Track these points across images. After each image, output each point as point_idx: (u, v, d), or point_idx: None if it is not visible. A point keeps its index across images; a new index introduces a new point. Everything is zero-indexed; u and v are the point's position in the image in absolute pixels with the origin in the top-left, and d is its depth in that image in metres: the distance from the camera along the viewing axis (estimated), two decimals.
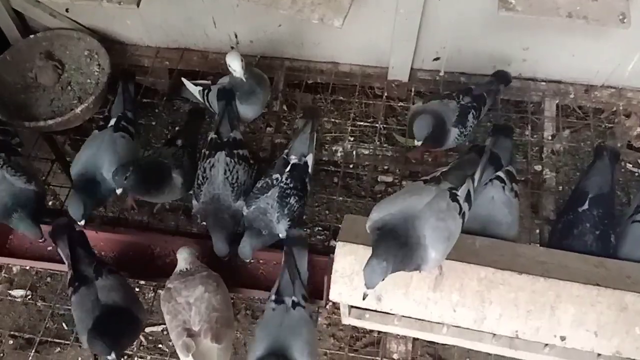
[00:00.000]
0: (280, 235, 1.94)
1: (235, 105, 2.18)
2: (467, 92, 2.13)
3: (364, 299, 1.45)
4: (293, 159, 2.03)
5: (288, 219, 1.92)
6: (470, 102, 2.09)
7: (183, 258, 1.93)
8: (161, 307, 1.84)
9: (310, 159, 2.05)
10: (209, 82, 2.31)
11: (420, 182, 1.60)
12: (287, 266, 1.82)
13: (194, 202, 2.04)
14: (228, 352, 1.76)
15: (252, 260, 2.09)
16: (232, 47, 2.59)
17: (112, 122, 2.15)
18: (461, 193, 1.55)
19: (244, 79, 2.08)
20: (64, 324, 2.24)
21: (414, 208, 1.46)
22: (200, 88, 2.28)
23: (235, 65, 2.04)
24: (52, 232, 1.97)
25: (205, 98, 2.26)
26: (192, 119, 2.34)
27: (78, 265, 1.87)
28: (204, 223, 2.07)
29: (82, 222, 1.93)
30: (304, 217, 2.32)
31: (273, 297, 1.77)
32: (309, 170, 2.04)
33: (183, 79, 2.34)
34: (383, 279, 1.38)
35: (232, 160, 2.02)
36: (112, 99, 2.33)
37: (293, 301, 1.74)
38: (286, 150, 2.08)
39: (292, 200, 1.94)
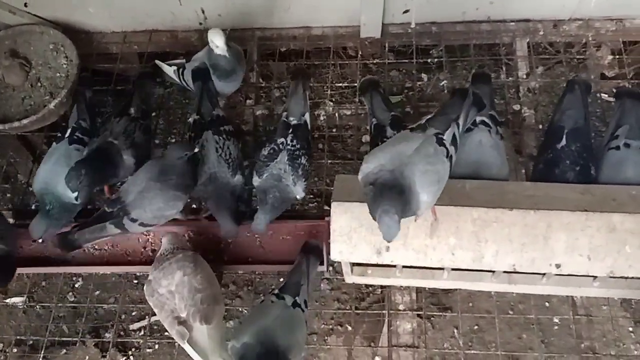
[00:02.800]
0: (298, 196, 1.96)
1: (212, 84, 2.16)
2: None
3: (387, 250, 1.55)
4: (293, 120, 2.05)
5: (304, 179, 1.95)
6: None
7: (167, 242, 1.94)
8: (149, 302, 1.84)
9: (307, 117, 2.08)
10: (183, 60, 2.29)
11: (406, 130, 1.63)
12: (299, 270, 1.84)
13: None
14: (219, 328, 1.78)
15: (248, 234, 2.10)
16: (201, 23, 2.56)
17: (68, 132, 2.11)
18: (447, 137, 1.58)
19: (227, 55, 2.06)
20: (64, 327, 2.24)
21: (402, 156, 1.49)
22: (175, 68, 2.26)
23: (218, 42, 2.03)
24: None
25: (181, 77, 2.24)
26: (141, 84, 2.28)
27: None
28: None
29: (40, 240, 1.99)
30: None
31: (276, 291, 1.78)
32: (309, 127, 2.07)
33: (157, 61, 2.32)
34: (399, 229, 1.41)
35: (221, 137, 2.02)
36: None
37: (295, 301, 1.74)
38: (285, 113, 2.09)
39: (303, 160, 1.97)
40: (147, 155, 2.09)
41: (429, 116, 1.65)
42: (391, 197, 1.42)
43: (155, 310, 1.80)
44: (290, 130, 2.02)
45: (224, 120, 2.10)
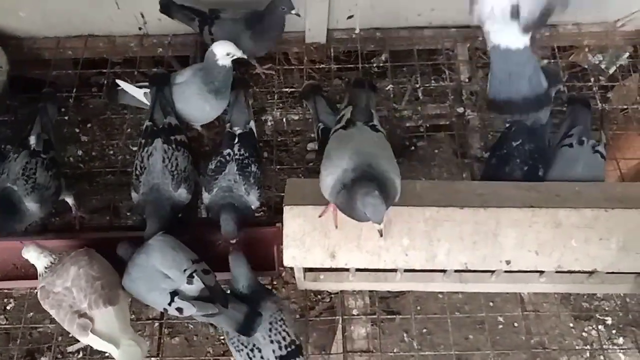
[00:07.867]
0: (253, 206, 1.92)
1: (168, 90, 2.06)
2: None
3: (381, 235, 1.47)
4: (238, 130, 2.03)
5: (257, 187, 1.92)
6: None
7: (36, 257, 1.76)
8: (44, 308, 1.73)
9: (252, 125, 2.07)
10: None
11: (340, 130, 1.67)
12: None
13: (133, 194, 1.95)
14: (125, 311, 1.72)
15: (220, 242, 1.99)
16: (140, 28, 2.48)
17: None
18: (377, 122, 1.69)
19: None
20: None
21: (359, 152, 1.49)
22: (146, 90, 2.08)
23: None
24: None
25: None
26: (44, 108, 2.09)
27: None
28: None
29: None
30: None
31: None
32: (255, 135, 2.05)
33: (119, 81, 2.12)
34: (387, 209, 1.41)
35: (170, 147, 1.95)
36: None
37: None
38: (228, 123, 2.07)
39: (254, 168, 1.94)
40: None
41: (345, 111, 1.72)
42: (368, 184, 1.41)
43: (52, 312, 1.70)
44: (236, 140, 1.99)
45: (176, 129, 2.02)
